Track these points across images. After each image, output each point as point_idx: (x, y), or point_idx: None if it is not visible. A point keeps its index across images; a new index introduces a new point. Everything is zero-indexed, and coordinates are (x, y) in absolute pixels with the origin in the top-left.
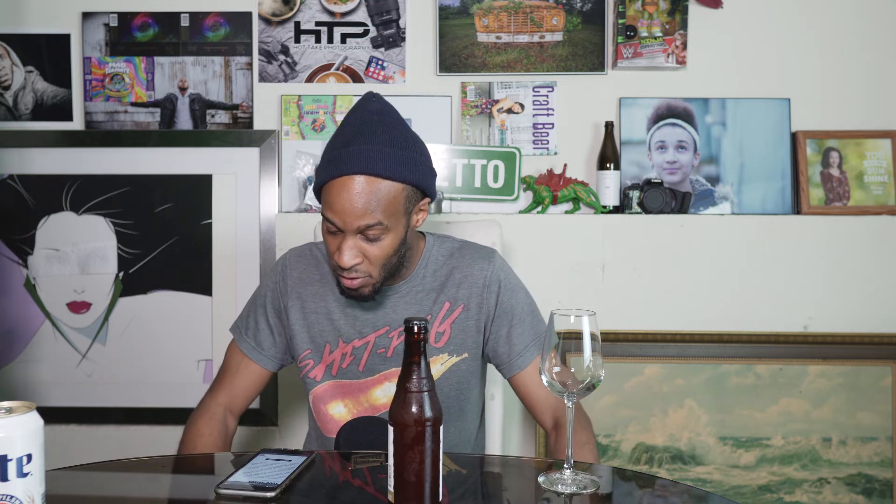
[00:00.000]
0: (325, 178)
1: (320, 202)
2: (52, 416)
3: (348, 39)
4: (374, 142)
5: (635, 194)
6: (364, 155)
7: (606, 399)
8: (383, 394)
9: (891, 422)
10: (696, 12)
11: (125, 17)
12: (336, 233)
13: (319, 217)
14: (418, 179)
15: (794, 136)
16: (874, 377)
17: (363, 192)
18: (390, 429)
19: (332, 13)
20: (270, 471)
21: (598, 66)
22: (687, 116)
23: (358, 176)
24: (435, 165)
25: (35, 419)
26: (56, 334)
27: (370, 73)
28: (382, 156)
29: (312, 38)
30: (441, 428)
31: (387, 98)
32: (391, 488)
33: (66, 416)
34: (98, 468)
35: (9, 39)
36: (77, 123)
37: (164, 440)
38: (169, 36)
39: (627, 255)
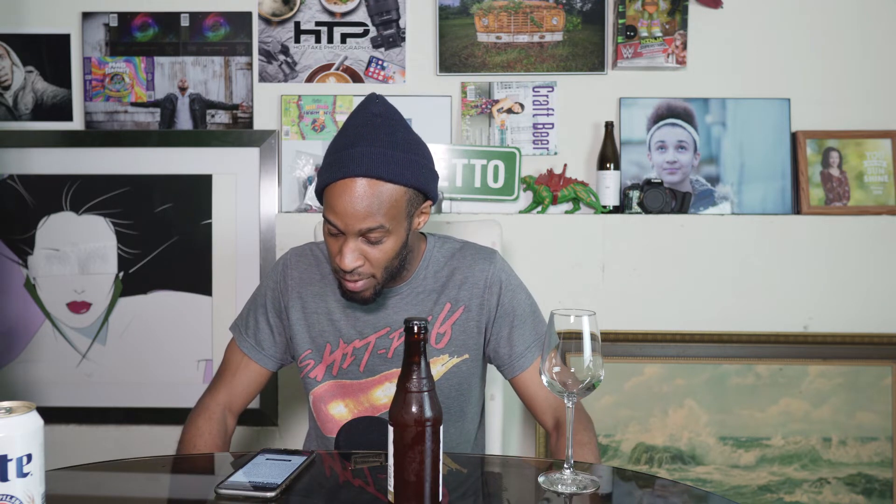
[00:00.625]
0: (327, 180)
1: (322, 204)
2: (52, 416)
3: (348, 39)
4: (376, 144)
5: (635, 194)
6: (366, 157)
7: (606, 399)
8: (384, 394)
9: (891, 422)
10: (696, 12)
11: (125, 17)
12: (337, 235)
13: (319, 217)
14: (420, 182)
15: (794, 136)
16: (874, 377)
17: (365, 194)
18: (390, 429)
19: (332, 13)
20: (270, 471)
21: (598, 66)
22: (687, 116)
23: (360, 179)
24: (435, 166)
25: (35, 419)
26: (56, 334)
27: (370, 73)
28: (385, 158)
29: (312, 38)
30: (441, 428)
31: (387, 98)
32: (391, 488)
33: (66, 416)
34: (98, 468)
35: (9, 39)
36: (77, 123)
37: (164, 440)
38: (169, 36)
39: (627, 255)
